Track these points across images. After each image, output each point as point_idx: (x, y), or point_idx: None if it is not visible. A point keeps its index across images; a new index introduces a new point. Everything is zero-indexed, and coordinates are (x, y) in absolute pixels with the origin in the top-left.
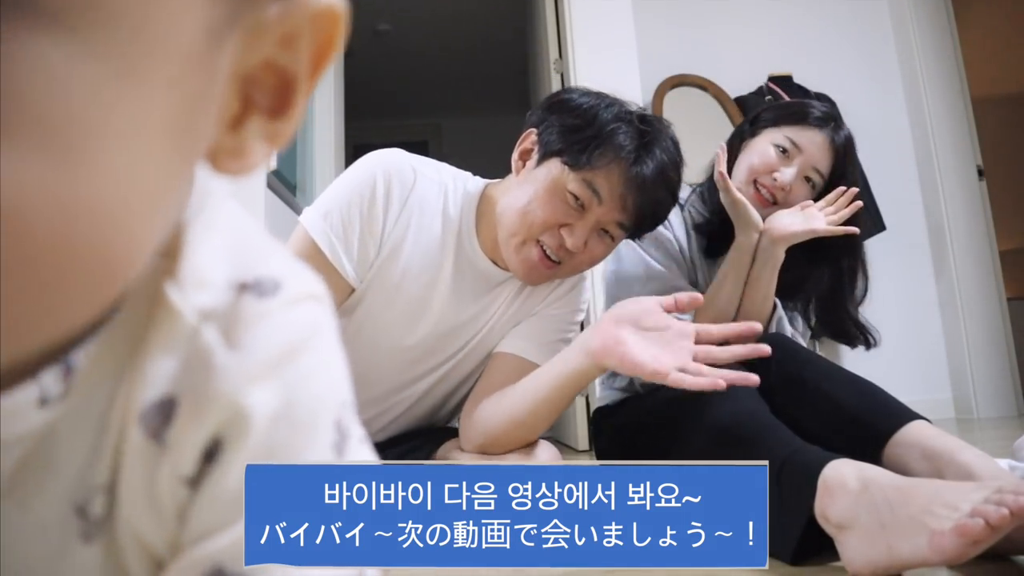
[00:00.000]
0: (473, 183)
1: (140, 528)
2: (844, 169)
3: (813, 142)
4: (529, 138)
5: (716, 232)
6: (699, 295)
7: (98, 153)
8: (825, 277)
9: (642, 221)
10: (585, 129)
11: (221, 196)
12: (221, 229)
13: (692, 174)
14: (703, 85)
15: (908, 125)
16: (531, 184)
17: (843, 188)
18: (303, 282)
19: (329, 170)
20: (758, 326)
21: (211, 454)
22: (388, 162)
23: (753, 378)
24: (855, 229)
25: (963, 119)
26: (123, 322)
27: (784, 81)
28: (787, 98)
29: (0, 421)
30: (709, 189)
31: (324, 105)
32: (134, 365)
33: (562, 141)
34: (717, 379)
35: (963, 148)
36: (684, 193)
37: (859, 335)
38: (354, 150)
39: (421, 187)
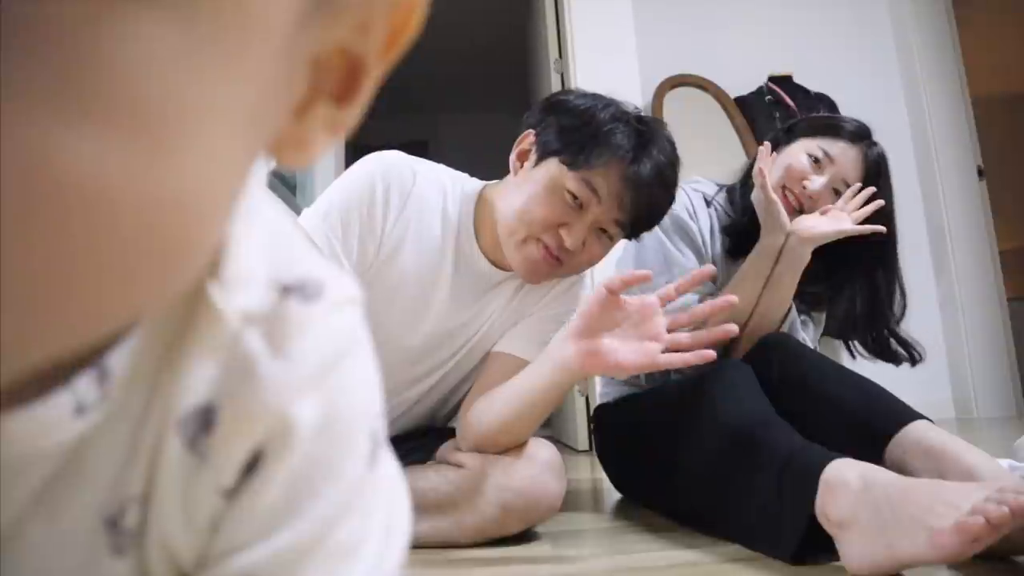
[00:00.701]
0: (471, 184)
1: (171, 539)
2: (875, 185)
3: (846, 155)
4: (527, 139)
5: (742, 234)
6: (647, 272)
7: (190, 141)
8: (861, 290)
9: (639, 220)
10: (583, 129)
11: (257, 187)
12: (260, 224)
13: (691, 173)
14: (703, 85)
15: (908, 125)
16: (529, 184)
17: (859, 186)
18: (343, 285)
19: (329, 170)
20: (733, 298)
21: (251, 466)
22: (387, 164)
23: (731, 328)
24: (882, 228)
25: (963, 119)
26: (159, 322)
27: (784, 81)
28: (787, 98)
29: (36, 432)
30: (741, 190)
31: None
32: (171, 369)
33: (560, 141)
34: (703, 352)
35: (963, 148)
36: (711, 190)
37: (903, 352)
38: (354, 150)
39: (420, 187)
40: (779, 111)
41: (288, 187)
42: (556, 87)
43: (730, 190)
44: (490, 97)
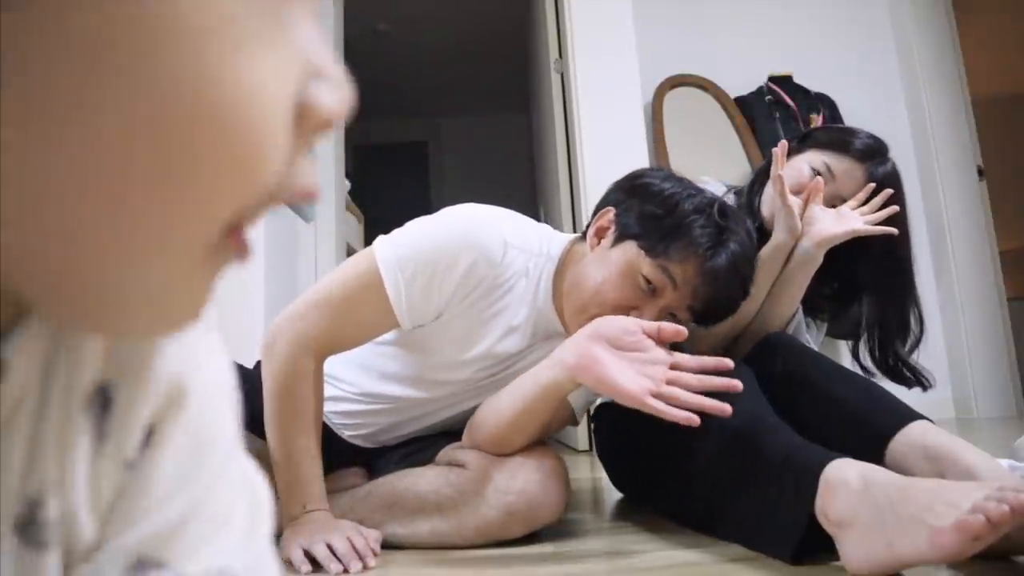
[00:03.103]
0: (557, 246)
1: (80, 525)
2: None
3: (850, 174)
4: (606, 216)
5: None
6: (683, 329)
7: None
8: (868, 313)
9: (711, 311)
10: (665, 218)
11: None
12: None
13: (691, 173)
14: (703, 85)
15: (908, 125)
16: (605, 264)
17: (872, 185)
18: None
19: (329, 170)
20: (730, 363)
21: (149, 435)
22: (480, 240)
23: (736, 384)
24: (894, 230)
25: (963, 119)
26: None
27: (784, 81)
28: (787, 98)
29: None
30: (749, 196)
31: None
32: (64, 347)
33: (640, 226)
34: (691, 415)
35: (963, 148)
36: (720, 190)
37: (911, 377)
38: (354, 150)
39: (508, 259)
40: (779, 111)
41: None
42: (556, 87)
43: (738, 193)
44: (490, 97)
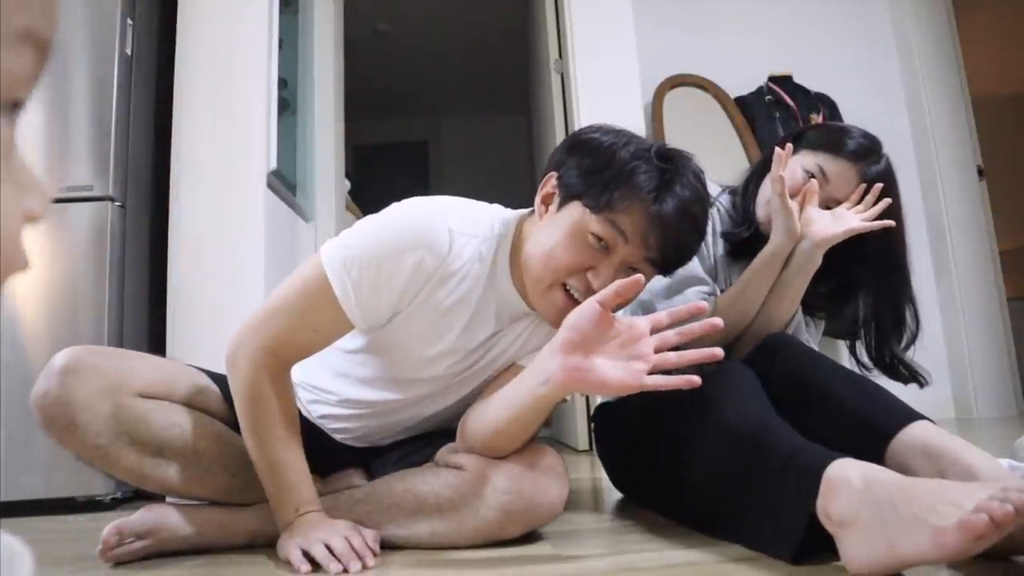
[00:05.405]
0: (504, 223)
1: None
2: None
3: (842, 176)
4: (550, 182)
5: (739, 243)
6: (640, 277)
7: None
8: (864, 312)
9: (668, 258)
10: (604, 171)
11: None
12: None
13: None
14: (703, 85)
15: (908, 125)
16: (553, 229)
17: (864, 186)
18: None
19: (329, 170)
20: (719, 322)
21: None
22: (424, 233)
23: (718, 352)
24: (891, 223)
25: (963, 119)
26: None
27: (784, 81)
28: (787, 98)
29: None
30: (743, 197)
31: (324, 105)
32: None
33: (582, 184)
34: (690, 376)
35: (963, 148)
36: (714, 191)
37: (907, 374)
38: (354, 150)
39: (456, 248)
40: (779, 111)
41: (288, 187)
42: (556, 87)
43: (733, 193)
44: (490, 97)
